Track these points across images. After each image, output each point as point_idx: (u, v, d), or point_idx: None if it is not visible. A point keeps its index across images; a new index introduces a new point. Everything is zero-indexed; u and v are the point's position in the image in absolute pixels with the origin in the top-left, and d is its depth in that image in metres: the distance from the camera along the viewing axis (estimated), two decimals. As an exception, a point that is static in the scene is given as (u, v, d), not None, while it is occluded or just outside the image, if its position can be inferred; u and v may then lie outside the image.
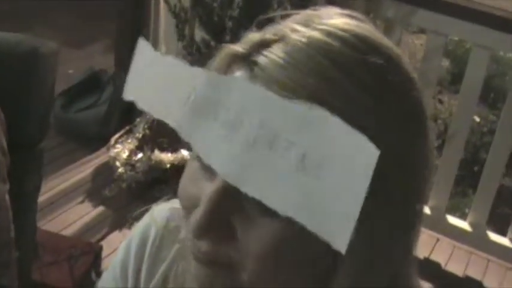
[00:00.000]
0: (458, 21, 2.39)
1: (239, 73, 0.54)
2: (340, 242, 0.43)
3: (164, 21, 2.97)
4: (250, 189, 0.48)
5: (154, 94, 0.56)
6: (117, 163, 2.71)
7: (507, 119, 2.52)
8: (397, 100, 0.53)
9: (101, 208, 2.62)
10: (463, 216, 2.87)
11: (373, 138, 0.44)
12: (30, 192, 1.48)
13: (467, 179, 3.62)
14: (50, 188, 2.66)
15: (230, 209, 0.53)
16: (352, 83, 0.51)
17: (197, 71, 0.53)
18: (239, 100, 0.49)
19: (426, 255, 2.70)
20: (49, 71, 1.42)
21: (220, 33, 2.35)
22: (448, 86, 4.59)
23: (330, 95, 0.50)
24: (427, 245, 2.75)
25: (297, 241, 0.51)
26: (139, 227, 0.79)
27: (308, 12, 0.58)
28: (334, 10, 0.58)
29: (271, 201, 0.47)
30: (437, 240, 2.77)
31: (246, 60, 0.54)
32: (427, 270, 2.63)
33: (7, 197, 1.27)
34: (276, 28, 0.55)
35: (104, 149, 2.93)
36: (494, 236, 2.69)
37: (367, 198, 0.43)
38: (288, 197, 0.46)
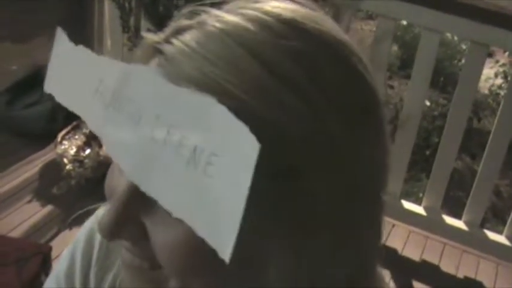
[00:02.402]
0: (408, 5, 2.38)
1: (153, 61, 0.48)
2: (225, 249, 0.38)
3: (108, 12, 2.89)
4: (148, 188, 0.44)
5: (70, 87, 0.52)
6: (65, 160, 2.63)
7: (459, 102, 2.53)
8: (333, 97, 0.47)
9: (49, 207, 2.54)
10: (417, 201, 2.88)
11: (290, 131, 0.42)
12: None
13: (420, 163, 3.66)
14: (-5, 188, 2.57)
15: (140, 208, 0.48)
16: (269, 73, 0.45)
17: (104, 61, 0.49)
18: (139, 91, 0.45)
19: (382, 241, 2.70)
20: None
21: (166, 24, 2.29)
22: (397, 72, 4.63)
23: (239, 87, 0.44)
24: (383, 231, 2.74)
25: (206, 247, 0.43)
26: (84, 231, 0.73)
27: (229, 2, 0.51)
28: None
29: (167, 202, 0.42)
30: (393, 226, 2.77)
31: (159, 49, 0.48)
32: (384, 256, 2.63)
33: None
34: (198, 16, 0.50)
35: (51, 146, 2.84)
36: (449, 220, 2.70)
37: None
38: (181, 197, 0.41)
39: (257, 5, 0.49)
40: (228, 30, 0.46)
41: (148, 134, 0.44)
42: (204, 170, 0.40)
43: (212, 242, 0.39)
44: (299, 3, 0.51)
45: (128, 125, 0.45)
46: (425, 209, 2.72)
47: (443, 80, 4.22)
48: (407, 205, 2.76)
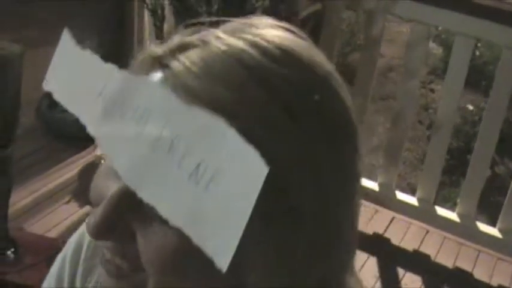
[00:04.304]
0: (440, 10, 2.36)
1: (155, 75, 0.52)
2: (222, 260, 0.41)
3: (148, 18, 2.95)
4: (146, 194, 0.46)
5: (71, 88, 0.55)
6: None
7: (494, 106, 2.50)
8: (320, 120, 0.52)
9: (86, 208, 2.61)
10: (455, 207, 2.85)
11: (279, 153, 0.46)
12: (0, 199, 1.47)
13: (460, 168, 3.60)
14: (36, 189, 2.65)
15: (130, 212, 0.51)
16: (266, 95, 0.49)
17: (111, 68, 0.51)
18: (145, 101, 0.48)
19: (416, 247, 2.68)
20: (13, 75, 1.41)
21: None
22: (442, 75, 4.56)
23: (239, 106, 0.48)
24: (416, 237, 2.73)
25: (195, 252, 0.49)
26: (76, 234, 0.77)
27: (241, 20, 0.56)
28: (268, 21, 0.56)
29: (164, 210, 0.45)
30: (427, 232, 2.75)
31: (162, 62, 0.52)
32: (417, 262, 2.62)
33: None
34: (201, 33, 0.54)
35: (90, 149, 2.91)
36: (483, 227, 2.66)
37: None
38: (180, 207, 0.44)
39: (257, 32, 0.53)
40: (231, 52, 0.50)
41: (152, 142, 0.46)
42: (207, 185, 0.43)
43: (210, 251, 0.42)
44: (291, 31, 0.55)
45: (129, 132, 0.48)
46: (459, 215, 2.69)
47: (486, 83, 4.14)
48: (441, 211, 2.73)
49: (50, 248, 2.11)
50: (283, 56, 0.51)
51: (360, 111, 2.76)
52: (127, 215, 0.51)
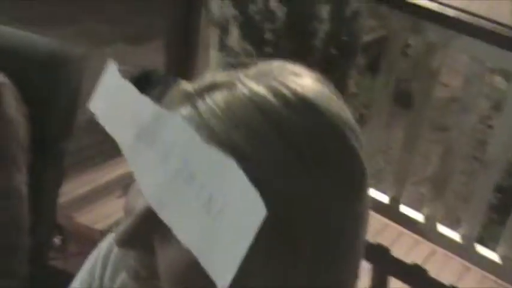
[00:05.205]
0: (501, 51, 2.35)
1: (184, 110, 0.59)
2: (222, 282, 0.48)
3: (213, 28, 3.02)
4: (165, 216, 0.53)
5: (111, 112, 0.62)
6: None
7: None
8: (328, 166, 0.57)
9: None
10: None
11: (286, 194, 0.52)
12: (50, 187, 1.57)
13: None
14: (89, 181, 2.76)
15: (152, 228, 0.58)
16: (278, 140, 0.55)
17: (148, 101, 0.58)
18: (171, 135, 0.54)
19: (453, 282, 2.66)
20: (75, 75, 1.51)
21: (261, 45, 2.39)
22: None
23: (252, 148, 0.54)
24: (455, 272, 2.71)
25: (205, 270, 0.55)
26: (110, 235, 0.84)
27: (263, 65, 0.62)
28: (294, 68, 0.61)
29: (179, 231, 0.52)
30: (467, 268, 2.73)
31: (191, 100, 0.59)
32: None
33: (24, 187, 1.35)
34: (230, 74, 0.60)
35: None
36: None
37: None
38: (192, 231, 0.51)
39: (280, 78, 0.59)
40: (252, 98, 0.56)
41: (173, 172, 0.53)
42: (215, 216, 0.49)
43: (212, 274, 0.48)
44: (316, 80, 0.61)
45: (155, 159, 0.55)
46: (500, 255, 2.66)
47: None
48: (482, 250, 2.72)
49: (95, 240, 2.21)
50: (300, 104, 0.57)
51: (412, 140, 2.77)
52: (149, 231, 0.58)
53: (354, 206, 0.60)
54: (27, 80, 1.44)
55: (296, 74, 0.60)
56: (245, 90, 0.57)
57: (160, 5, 3.28)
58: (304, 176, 0.55)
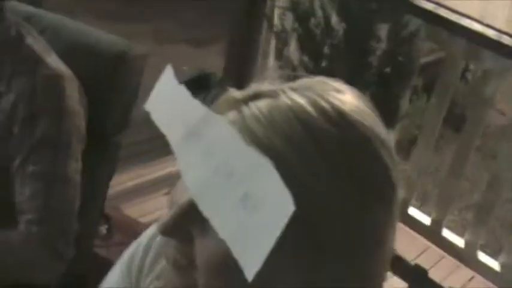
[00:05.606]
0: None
1: (230, 114, 0.64)
2: (250, 272, 0.52)
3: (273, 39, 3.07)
4: (204, 208, 0.58)
5: (164, 112, 0.67)
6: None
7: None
8: (357, 177, 0.61)
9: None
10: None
11: (316, 199, 0.56)
12: (102, 178, 1.63)
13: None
14: (139, 175, 2.85)
15: (193, 220, 0.63)
16: (313, 148, 0.59)
17: (198, 104, 0.63)
18: (217, 135, 0.60)
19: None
20: (135, 72, 1.57)
21: (319, 58, 2.43)
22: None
23: (288, 153, 0.59)
24: (461, 280, 2.72)
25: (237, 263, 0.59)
26: (154, 225, 0.89)
27: (307, 80, 0.67)
28: (332, 83, 0.66)
29: (216, 223, 0.56)
30: (472, 277, 2.75)
31: (237, 105, 0.64)
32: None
33: (78, 175, 1.41)
34: (275, 85, 0.66)
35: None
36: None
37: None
38: (228, 224, 0.55)
39: (320, 92, 0.63)
40: (293, 108, 0.61)
41: (215, 168, 0.58)
42: (249, 211, 0.54)
43: (242, 263, 0.53)
44: (356, 96, 0.65)
45: (199, 156, 0.60)
46: (502, 265, 2.68)
47: None
48: (484, 258, 2.75)
49: (139, 233, 2.27)
50: (336, 117, 0.61)
51: (460, 164, 2.77)
52: (190, 222, 0.63)
53: (380, 217, 0.63)
54: (91, 75, 1.51)
55: (337, 90, 0.65)
56: (287, 100, 0.62)
57: (227, 12, 3.35)
58: (334, 183, 0.59)
